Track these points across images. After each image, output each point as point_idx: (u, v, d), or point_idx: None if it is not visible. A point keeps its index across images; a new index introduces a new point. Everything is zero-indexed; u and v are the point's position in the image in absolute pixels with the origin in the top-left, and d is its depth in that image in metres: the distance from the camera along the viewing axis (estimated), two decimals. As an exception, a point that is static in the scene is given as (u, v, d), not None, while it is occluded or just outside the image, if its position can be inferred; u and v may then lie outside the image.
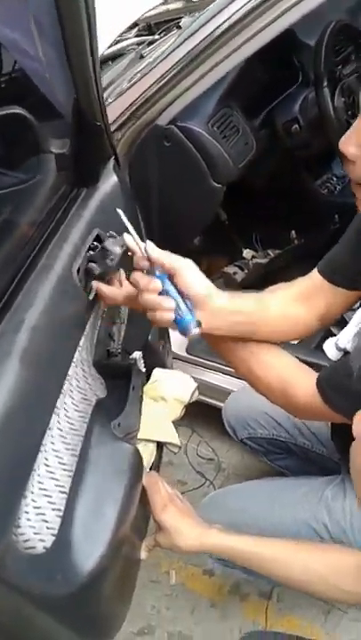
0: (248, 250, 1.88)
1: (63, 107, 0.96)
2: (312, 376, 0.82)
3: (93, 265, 0.84)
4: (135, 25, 2.07)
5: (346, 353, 0.82)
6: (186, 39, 1.29)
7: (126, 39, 2.01)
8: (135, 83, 1.31)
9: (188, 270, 0.77)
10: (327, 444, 1.17)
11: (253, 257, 1.77)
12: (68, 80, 0.85)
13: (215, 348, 0.91)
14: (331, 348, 0.84)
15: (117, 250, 0.83)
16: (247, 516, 1.10)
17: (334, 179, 2.07)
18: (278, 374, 0.85)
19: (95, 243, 0.88)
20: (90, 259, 0.84)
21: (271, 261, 1.78)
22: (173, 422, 1.14)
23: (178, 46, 1.31)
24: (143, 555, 0.91)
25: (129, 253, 0.80)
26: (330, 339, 0.85)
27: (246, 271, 1.74)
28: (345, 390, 0.75)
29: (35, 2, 0.78)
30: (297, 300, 0.91)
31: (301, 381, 0.83)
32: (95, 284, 0.83)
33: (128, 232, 0.78)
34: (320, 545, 0.91)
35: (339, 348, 0.82)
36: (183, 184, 1.36)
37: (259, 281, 1.89)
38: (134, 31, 2.06)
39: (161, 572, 1.45)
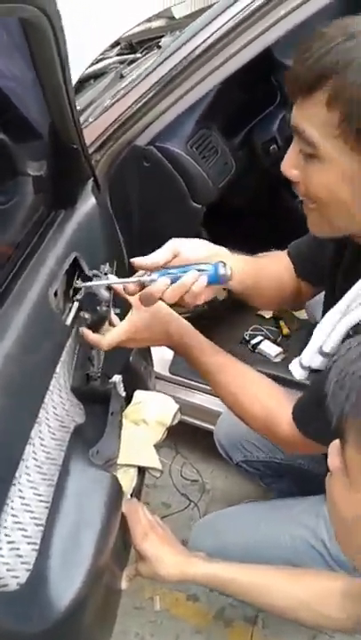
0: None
1: (41, 128, 0.96)
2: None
3: (85, 314, 0.87)
4: (117, 43, 2.08)
5: (312, 371, 0.82)
6: (165, 59, 1.29)
7: (108, 57, 2.02)
8: (115, 103, 1.31)
9: (181, 249, 0.83)
10: (323, 463, 1.17)
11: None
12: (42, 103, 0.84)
13: (203, 377, 0.94)
14: (296, 368, 0.84)
15: (106, 295, 0.86)
16: (232, 536, 1.09)
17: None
18: (262, 405, 0.86)
19: (73, 267, 0.88)
20: (80, 306, 0.87)
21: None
22: (155, 446, 1.12)
23: (157, 66, 1.32)
24: (124, 584, 0.89)
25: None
26: (294, 359, 0.85)
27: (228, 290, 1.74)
28: (320, 419, 0.75)
29: (10, 22, 0.77)
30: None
31: (283, 412, 0.82)
32: (96, 337, 0.87)
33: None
34: (302, 570, 0.90)
35: (303, 367, 0.82)
36: (163, 204, 1.35)
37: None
38: (116, 49, 2.07)
39: (145, 599, 1.42)
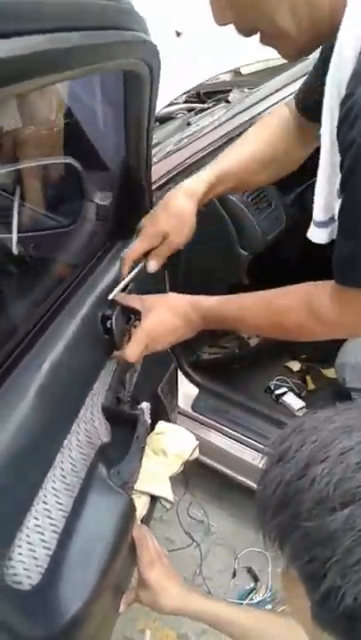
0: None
1: (110, 162, 1.03)
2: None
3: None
4: (186, 92, 2.20)
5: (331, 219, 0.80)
6: (235, 115, 1.38)
7: (176, 103, 2.13)
8: (180, 149, 1.39)
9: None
10: None
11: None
12: (120, 139, 0.92)
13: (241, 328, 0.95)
14: (315, 232, 0.82)
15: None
16: None
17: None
18: (298, 296, 0.82)
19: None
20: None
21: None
22: (170, 478, 1.15)
23: (226, 120, 1.40)
24: (122, 608, 0.90)
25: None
26: (310, 229, 0.84)
27: (261, 337, 1.78)
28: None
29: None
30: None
31: (320, 285, 0.80)
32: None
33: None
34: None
35: (320, 223, 0.81)
36: (212, 248, 1.41)
37: (275, 348, 1.92)
38: (183, 97, 2.19)
39: (136, 630, 1.41)
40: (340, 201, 0.72)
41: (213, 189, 0.96)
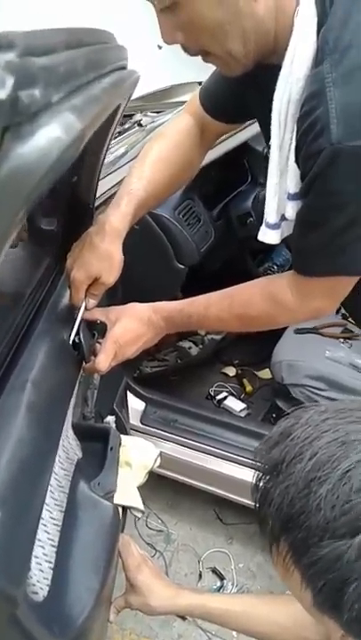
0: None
1: (56, 187, 1.06)
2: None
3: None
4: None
5: (283, 219, 0.88)
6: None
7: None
8: (108, 174, 1.45)
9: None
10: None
11: (207, 333, 1.90)
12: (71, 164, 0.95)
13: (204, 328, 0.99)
14: (266, 233, 0.89)
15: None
16: None
17: (275, 267, 2.28)
18: (260, 289, 0.91)
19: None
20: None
21: (224, 337, 1.91)
22: (137, 488, 1.18)
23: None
24: (112, 616, 0.92)
25: None
26: (261, 230, 0.91)
27: (201, 346, 1.86)
28: (317, 254, 0.81)
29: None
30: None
31: (280, 278, 0.88)
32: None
33: None
34: (281, 596, 0.96)
35: (271, 225, 0.87)
36: (149, 264, 1.47)
37: (212, 356, 2.01)
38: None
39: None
40: (293, 203, 0.81)
41: (134, 219, 0.99)
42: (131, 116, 2.15)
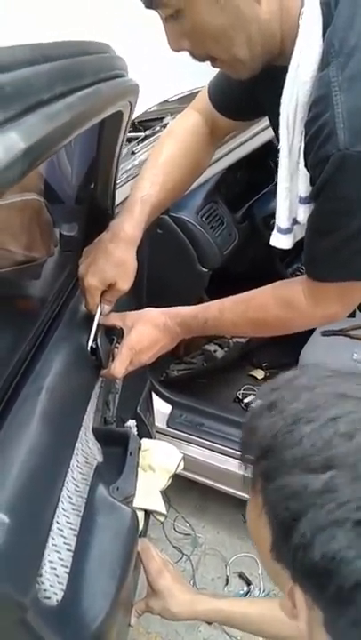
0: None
1: (75, 194, 1.08)
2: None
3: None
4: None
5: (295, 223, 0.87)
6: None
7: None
8: (133, 177, 1.46)
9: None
10: None
11: (233, 336, 1.88)
12: (87, 172, 0.96)
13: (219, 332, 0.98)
14: (278, 238, 0.90)
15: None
16: None
17: (303, 268, 2.25)
18: (273, 295, 0.90)
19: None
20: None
21: (250, 340, 1.89)
22: (160, 492, 1.18)
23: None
24: (133, 620, 0.93)
25: None
26: (272, 236, 0.92)
27: (226, 349, 1.85)
28: (327, 258, 0.80)
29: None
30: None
31: (293, 283, 0.88)
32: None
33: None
34: None
35: (283, 230, 0.88)
36: (172, 268, 1.48)
37: (238, 359, 1.99)
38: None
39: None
40: (305, 207, 0.80)
41: (147, 225, 0.98)
42: (161, 119, 2.17)
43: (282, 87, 0.75)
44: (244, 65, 0.76)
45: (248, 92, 0.93)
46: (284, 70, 0.74)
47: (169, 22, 0.73)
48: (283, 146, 0.79)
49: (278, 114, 0.79)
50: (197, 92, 1.09)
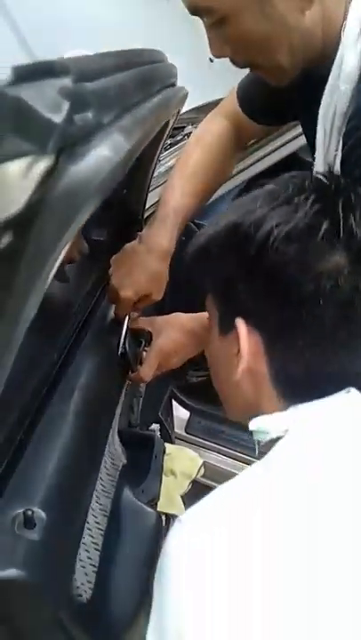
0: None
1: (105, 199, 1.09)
2: None
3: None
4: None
5: None
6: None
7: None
8: (160, 185, 1.48)
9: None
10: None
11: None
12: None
13: None
14: None
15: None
16: None
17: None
18: None
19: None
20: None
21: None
22: (180, 496, 1.19)
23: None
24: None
25: None
26: None
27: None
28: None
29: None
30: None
31: None
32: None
33: None
34: None
35: None
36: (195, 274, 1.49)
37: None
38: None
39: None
40: None
41: (179, 235, 1.00)
42: (182, 128, 2.19)
43: (319, 95, 0.77)
44: (284, 72, 0.78)
45: (280, 98, 0.93)
46: (323, 79, 0.76)
47: (213, 29, 0.74)
48: (318, 153, 0.81)
49: (312, 120, 0.80)
50: (208, 104, 1.11)
